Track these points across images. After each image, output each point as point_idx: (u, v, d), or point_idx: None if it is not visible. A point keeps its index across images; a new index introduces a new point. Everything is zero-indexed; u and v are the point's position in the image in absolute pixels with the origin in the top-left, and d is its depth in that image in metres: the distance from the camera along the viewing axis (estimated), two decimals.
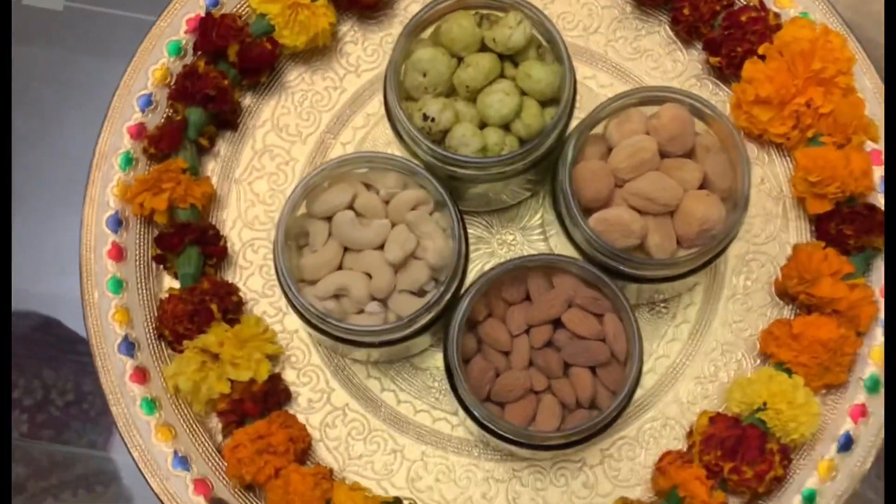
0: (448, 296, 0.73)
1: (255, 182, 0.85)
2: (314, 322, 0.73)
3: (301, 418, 0.81)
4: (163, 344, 0.80)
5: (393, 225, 0.74)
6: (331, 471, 0.79)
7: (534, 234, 0.84)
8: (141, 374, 0.79)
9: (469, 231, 0.83)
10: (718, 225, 0.73)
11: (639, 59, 0.86)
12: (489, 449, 0.80)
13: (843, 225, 0.78)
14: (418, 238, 0.73)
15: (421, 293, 0.74)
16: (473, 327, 0.75)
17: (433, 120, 0.74)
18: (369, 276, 0.73)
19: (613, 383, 0.72)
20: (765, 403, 0.76)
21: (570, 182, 0.73)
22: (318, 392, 0.82)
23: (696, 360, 0.82)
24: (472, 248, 0.84)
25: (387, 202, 0.74)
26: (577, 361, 0.73)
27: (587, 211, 0.74)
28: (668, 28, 0.86)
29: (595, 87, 0.86)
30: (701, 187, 0.74)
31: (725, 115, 0.73)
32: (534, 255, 0.74)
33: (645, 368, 0.81)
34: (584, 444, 0.74)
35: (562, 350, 0.73)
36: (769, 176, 0.84)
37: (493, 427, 0.72)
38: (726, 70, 0.83)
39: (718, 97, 0.85)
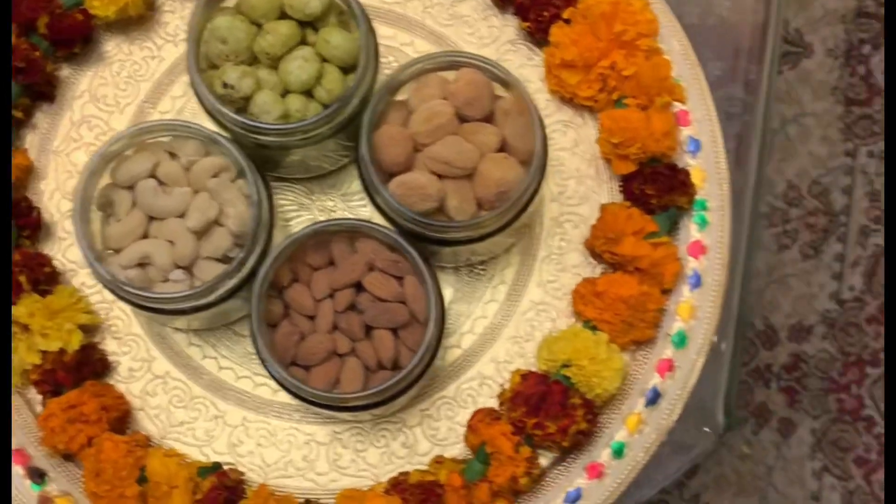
0: (250, 261, 0.74)
1: (74, 153, 0.85)
2: (118, 292, 0.73)
3: (122, 387, 0.81)
4: None
5: (195, 193, 0.75)
6: (147, 438, 0.80)
7: (354, 200, 0.85)
8: None
9: (289, 198, 0.85)
10: (516, 187, 0.74)
11: (455, 26, 0.87)
12: (310, 413, 0.82)
13: (645, 185, 0.80)
14: (220, 205, 0.74)
15: (226, 259, 0.75)
16: (280, 292, 0.76)
17: (233, 87, 0.74)
18: (173, 243, 0.74)
19: (415, 344, 0.74)
20: (570, 360, 0.77)
21: (368, 147, 0.74)
22: (138, 361, 0.82)
23: (513, 321, 0.83)
24: (292, 214, 0.85)
25: (188, 170, 0.75)
26: (379, 323, 0.74)
27: (391, 175, 0.75)
28: None
29: (412, 54, 0.87)
30: (501, 150, 0.75)
31: (518, 80, 0.74)
32: (335, 220, 0.75)
33: (464, 329, 0.83)
34: (388, 404, 0.75)
35: (364, 313, 0.74)
36: (583, 138, 0.85)
37: (296, 390, 0.73)
38: (536, 35, 0.84)
39: (534, 62, 0.86)
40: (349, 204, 0.85)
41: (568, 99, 0.84)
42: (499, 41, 0.87)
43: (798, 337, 1.50)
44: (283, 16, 0.76)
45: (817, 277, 1.51)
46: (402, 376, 0.72)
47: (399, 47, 0.86)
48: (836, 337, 1.49)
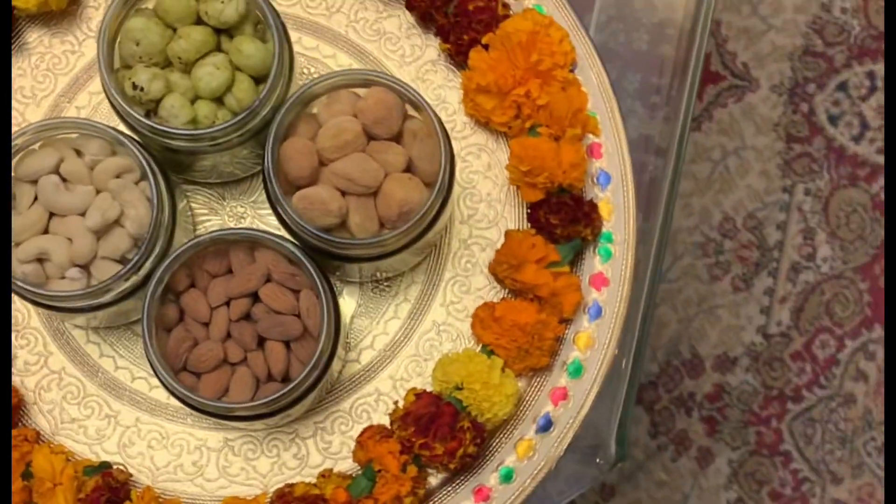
0: (147, 264, 0.74)
1: None
2: (14, 287, 0.73)
3: (16, 381, 0.81)
4: None
5: (97, 192, 0.75)
6: (37, 433, 0.80)
7: (264, 208, 0.85)
8: None
9: (200, 201, 0.85)
10: (418, 208, 0.74)
11: (378, 42, 0.87)
12: (203, 418, 0.82)
13: (550, 214, 0.80)
14: (121, 206, 0.74)
15: (124, 261, 0.75)
16: (177, 297, 0.76)
17: (142, 89, 0.74)
18: (71, 241, 0.74)
19: (307, 357, 0.74)
20: (463, 382, 0.78)
21: (273, 158, 0.74)
22: (35, 355, 0.82)
23: (413, 339, 0.84)
24: (202, 219, 0.85)
25: (92, 169, 0.75)
26: (271, 335, 0.74)
27: (296, 188, 0.76)
28: (408, 15, 0.87)
29: (334, 66, 0.87)
30: (407, 171, 0.76)
31: (427, 103, 0.75)
32: (235, 229, 0.75)
33: (364, 344, 0.83)
34: (279, 416, 0.75)
35: (258, 323, 0.74)
36: (496, 163, 0.86)
37: (184, 398, 0.73)
38: (456, 57, 0.85)
39: (453, 83, 0.87)
40: (259, 211, 0.85)
41: (484, 123, 0.85)
42: (420, 60, 0.87)
43: (723, 368, 1.51)
44: (199, 21, 0.76)
45: (746, 310, 1.53)
46: (290, 388, 0.72)
47: (321, 59, 0.86)
48: (759, 370, 1.51)
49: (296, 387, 0.73)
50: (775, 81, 1.59)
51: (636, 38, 1.03)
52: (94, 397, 0.82)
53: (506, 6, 0.84)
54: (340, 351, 0.78)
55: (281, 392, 0.72)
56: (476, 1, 0.83)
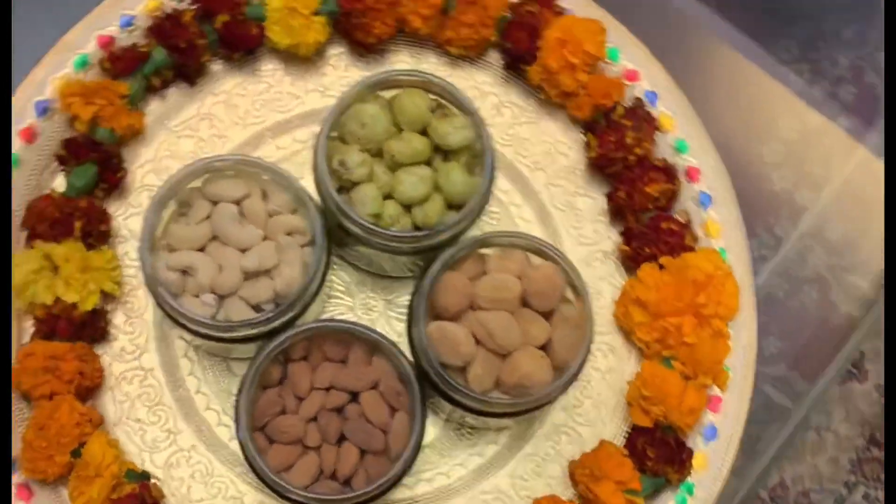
0: (276, 323, 0.76)
1: (184, 139, 0.88)
2: (150, 284, 0.75)
3: (105, 360, 0.83)
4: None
5: (264, 238, 0.77)
6: (101, 418, 0.82)
7: (395, 312, 0.87)
8: None
9: (342, 278, 0.87)
10: (538, 388, 0.75)
11: (566, 213, 0.89)
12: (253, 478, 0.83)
13: (649, 445, 0.81)
14: (279, 261, 0.76)
15: (257, 308, 0.77)
16: (285, 362, 0.77)
17: (347, 168, 0.77)
18: (221, 269, 0.76)
19: (375, 474, 0.75)
20: None
21: (431, 283, 0.76)
22: (134, 346, 0.85)
23: (469, 494, 0.84)
24: (334, 297, 0.87)
25: (270, 216, 0.78)
26: (354, 439, 0.75)
27: (436, 316, 0.77)
28: (604, 202, 0.89)
29: (516, 217, 0.89)
30: (543, 348, 0.77)
31: (589, 301, 0.76)
32: (367, 328, 0.77)
33: (423, 476, 0.84)
34: None
35: (347, 422, 0.76)
36: (618, 370, 0.87)
37: (248, 455, 0.74)
38: (627, 261, 0.87)
39: (615, 282, 0.88)
40: (389, 313, 0.87)
41: (625, 331, 0.86)
42: (595, 247, 0.89)
43: None
44: (423, 131, 0.79)
45: None
46: (347, 497, 0.73)
47: (508, 204, 0.89)
48: None
49: (353, 497, 0.74)
50: (880, 381, 1.58)
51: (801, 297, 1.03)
52: (166, 408, 0.84)
53: (695, 238, 0.86)
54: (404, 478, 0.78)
55: (336, 496, 0.73)
56: (671, 223, 0.84)
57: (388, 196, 0.79)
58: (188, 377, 0.84)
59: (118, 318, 0.85)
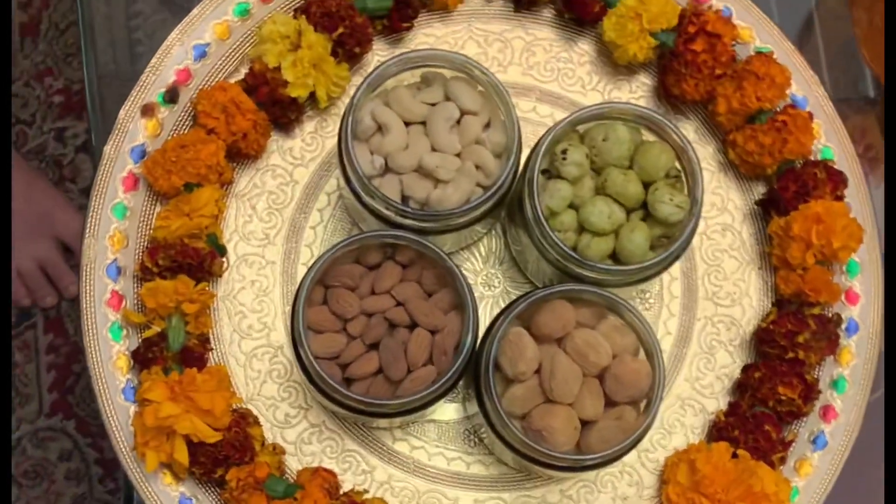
0: (409, 221, 0.78)
1: (470, 42, 0.91)
2: (345, 114, 0.78)
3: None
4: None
5: (457, 154, 0.79)
6: (232, 180, 0.87)
7: (505, 301, 0.87)
8: None
9: (486, 246, 0.89)
10: (551, 448, 0.74)
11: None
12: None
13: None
14: (450, 181, 0.78)
15: (405, 199, 0.78)
16: (386, 257, 0.79)
17: (564, 159, 0.78)
18: (406, 147, 0.79)
19: (375, 393, 0.76)
20: None
21: (543, 295, 0.76)
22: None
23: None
24: (472, 252, 0.89)
25: (476, 143, 0.80)
26: (381, 354, 0.77)
27: (526, 327, 0.77)
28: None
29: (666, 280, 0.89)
30: (583, 423, 0.76)
31: (651, 423, 0.75)
32: (467, 283, 0.76)
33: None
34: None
35: (388, 338, 0.77)
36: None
37: (299, 292, 0.76)
38: (718, 431, 0.85)
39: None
40: (501, 299, 0.88)
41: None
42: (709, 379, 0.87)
43: None
44: (647, 183, 0.79)
45: None
46: (347, 392, 0.75)
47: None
48: None
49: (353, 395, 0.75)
50: None
51: None
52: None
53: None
54: (396, 421, 0.79)
55: (336, 384, 0.75)
56: (773, 429, 0.81)
57: (573, 207, 0.79)
58: (305, 248, 0.88)
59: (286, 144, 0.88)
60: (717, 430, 0.84)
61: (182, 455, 0.77)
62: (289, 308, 0.85)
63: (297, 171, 0.88)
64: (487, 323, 0.79)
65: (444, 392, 0.76)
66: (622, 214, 0.78)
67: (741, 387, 0.86)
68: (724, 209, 0.89)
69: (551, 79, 0.91)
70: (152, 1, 0.93)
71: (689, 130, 0.90)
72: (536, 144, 0.79)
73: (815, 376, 0.85)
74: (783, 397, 0.82)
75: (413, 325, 0.77)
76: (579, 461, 0.74)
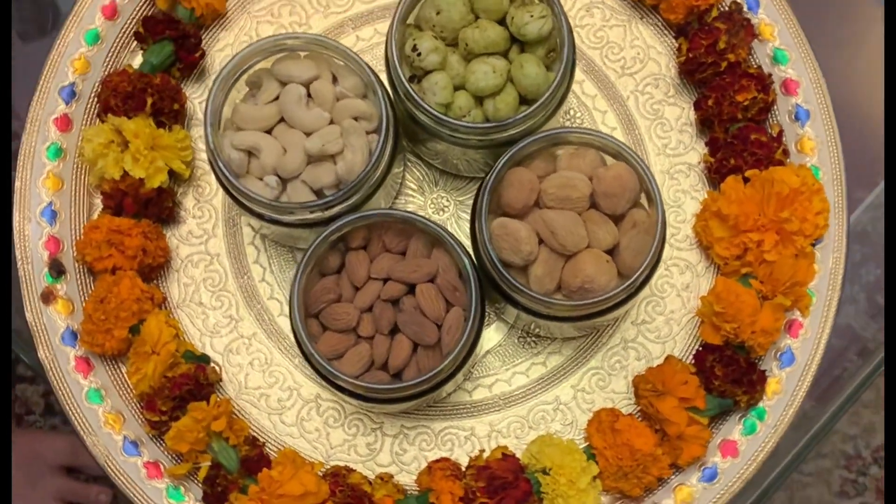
0: (336, 208, 0.74)
1: (264, 24, 0.87)
2: (214, 164, 0.75)
3: (173, 243, 0.83)
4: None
5: (330, 122, 0.75)
6: (164, 298, 0.82)
7: (467, 213, 0.85)
8: None
9: (415, 175, 0.86)
10: (600, 292, 0.72)
11: (651, 121, 0.85)
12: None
13: (718, 364, 0.77)
14: (344, 145, 0.75)
15: (319, 194, 0.75)
16: (345, 251, 0.76)
17: (419, 55, 0.75)
18: (285, 152, 0.75)
19: (427, 368, 0.73)
20: (550, 469, 0.76)
21: (497, 176, 0.73)
22: (202, 230, 0.84)
23: (529, 403, 0.82)
24: (407, 190, 0.85)
25: (338, 100, 0.76)
26: (407, 331, 0.74)
27: (502, 214, 0.75)
28: (692, 112, 0.85)
29: (600, 121, 0.86)
30: (610, 252, 0.74)
31: (662, 208, 0.72)
32: (429, 221, 0.74)
33: (483, 382, 0.83)
34: (368, 403, 0.75)
35: (401, 314, 0.74)
36: (695, 288, 0.83)
37: (300, 339, 0.73)
38: (712, 174, 0.82)
39: (696, 194, 0.84)
40: (460, 212, 0.85)
41: (704, 246, 0.82)
42: (679, 158, 0.85)
43: None
44: (501, 21, 0.76)
45: None
46: (397, 387, 0.72)
47: (592, 109, 0.86)
48: None
49: (402, 388, 0.72)
50: None
51: None
52: (229, 294, 0.83)
53: (785, 153, 0.81)
54: (459, 377, 0.77)
55: (386, 385, 0.72)
56: (760, 135, 0.80)
57: (460, 87, 0.76)
58: (253, 265, 0.84)
59: (188, 202, 0.84)
60: (715, 172, 0.82)
61: None
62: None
63: (211, 242, 0.84)
64: (468, 238, 0.77)
65: (482, 314, 0.74)
66: (502, 61, 0.76)
67: (704, 122, 0.84)
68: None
69: (348, 6, 0.87)
70: None
71: None
72: (387, 62, 0.76)
73: (757, 66, 0.84)
74: (746, 101, 0.81)
75: (411, 288, 0.74)
76: (634, 282, 0.72)
